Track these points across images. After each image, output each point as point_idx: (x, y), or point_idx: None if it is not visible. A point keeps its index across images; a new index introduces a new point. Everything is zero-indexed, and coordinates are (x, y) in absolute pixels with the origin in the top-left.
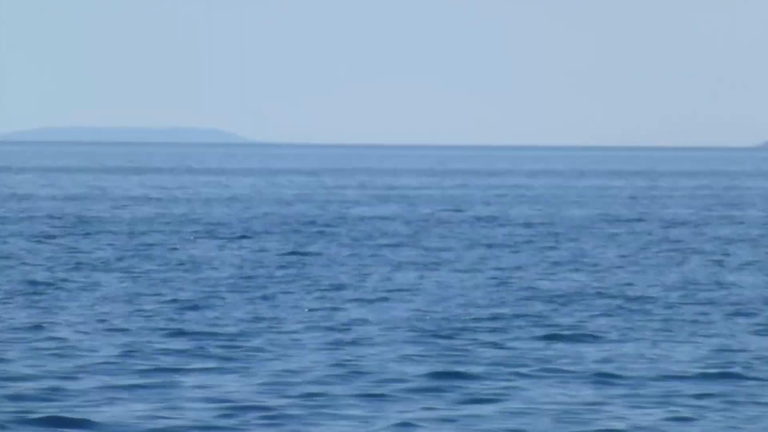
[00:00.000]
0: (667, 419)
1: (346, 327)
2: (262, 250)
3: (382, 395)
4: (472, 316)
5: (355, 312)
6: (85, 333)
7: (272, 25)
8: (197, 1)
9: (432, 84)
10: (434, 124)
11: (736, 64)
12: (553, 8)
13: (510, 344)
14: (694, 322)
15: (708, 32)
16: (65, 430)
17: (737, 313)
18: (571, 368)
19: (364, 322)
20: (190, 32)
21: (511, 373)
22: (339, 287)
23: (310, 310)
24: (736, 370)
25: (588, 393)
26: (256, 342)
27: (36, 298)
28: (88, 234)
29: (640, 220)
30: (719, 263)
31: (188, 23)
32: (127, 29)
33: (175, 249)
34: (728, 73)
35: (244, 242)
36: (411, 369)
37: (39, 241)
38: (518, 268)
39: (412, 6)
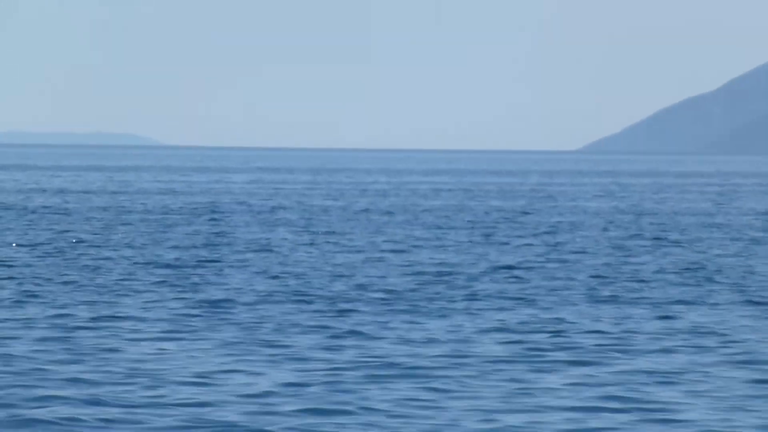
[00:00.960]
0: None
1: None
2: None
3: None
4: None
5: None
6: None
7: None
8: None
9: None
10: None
11: (564, 70)
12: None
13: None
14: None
15: (526, 42)
16: None
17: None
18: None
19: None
20: (111, 44)
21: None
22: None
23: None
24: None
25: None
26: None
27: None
28: None
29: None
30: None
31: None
32: (58, 39)
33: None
34: (553, 78)
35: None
36: None
37: None
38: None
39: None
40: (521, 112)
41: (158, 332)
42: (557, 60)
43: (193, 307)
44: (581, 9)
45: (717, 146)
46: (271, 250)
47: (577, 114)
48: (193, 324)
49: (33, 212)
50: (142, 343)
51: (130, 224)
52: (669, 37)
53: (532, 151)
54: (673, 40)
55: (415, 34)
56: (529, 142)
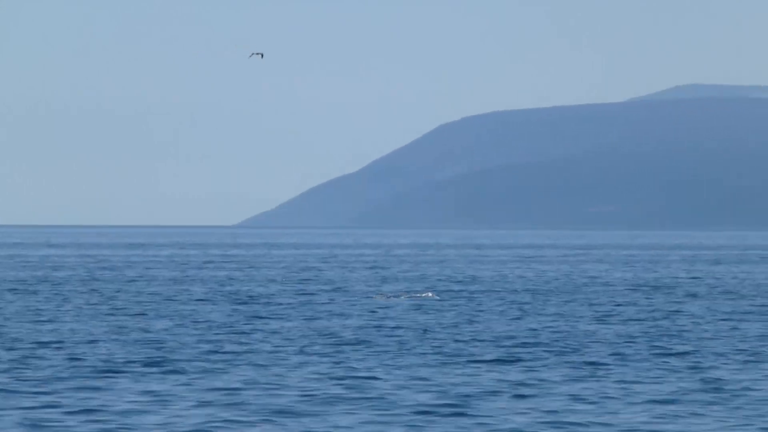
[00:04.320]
0: None
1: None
2: None
3: None
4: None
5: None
6: None
7: None
8: None
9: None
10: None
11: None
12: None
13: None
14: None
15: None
16: None
17: None
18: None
19: None
20: None
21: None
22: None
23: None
24: None
25: None
26: None
27: None
28: None
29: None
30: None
31: None
32: None
33: None
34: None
35: None
36: None
37: None
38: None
39: None
40: (184, 191)
41: None
42: (211, 142)
43: None
44: (244, 97)
45: (360, 220)
46: None
47: (234, 192)
48: None
49: None
50: None
51: None
52: (316, 117)
53: (194, 226)
54: (321, 120)
55: None
56: (191, 218)
